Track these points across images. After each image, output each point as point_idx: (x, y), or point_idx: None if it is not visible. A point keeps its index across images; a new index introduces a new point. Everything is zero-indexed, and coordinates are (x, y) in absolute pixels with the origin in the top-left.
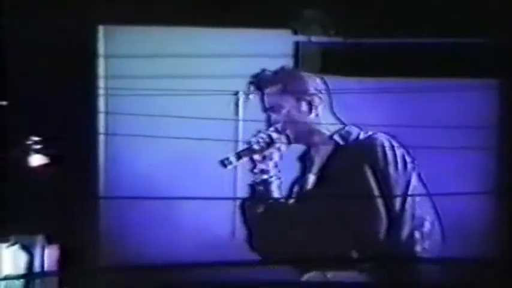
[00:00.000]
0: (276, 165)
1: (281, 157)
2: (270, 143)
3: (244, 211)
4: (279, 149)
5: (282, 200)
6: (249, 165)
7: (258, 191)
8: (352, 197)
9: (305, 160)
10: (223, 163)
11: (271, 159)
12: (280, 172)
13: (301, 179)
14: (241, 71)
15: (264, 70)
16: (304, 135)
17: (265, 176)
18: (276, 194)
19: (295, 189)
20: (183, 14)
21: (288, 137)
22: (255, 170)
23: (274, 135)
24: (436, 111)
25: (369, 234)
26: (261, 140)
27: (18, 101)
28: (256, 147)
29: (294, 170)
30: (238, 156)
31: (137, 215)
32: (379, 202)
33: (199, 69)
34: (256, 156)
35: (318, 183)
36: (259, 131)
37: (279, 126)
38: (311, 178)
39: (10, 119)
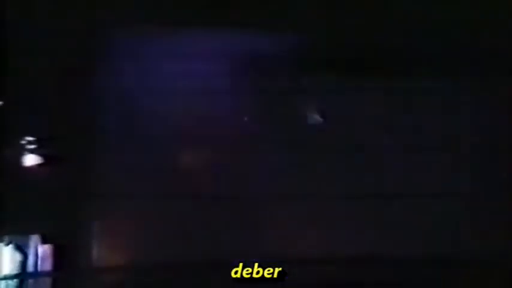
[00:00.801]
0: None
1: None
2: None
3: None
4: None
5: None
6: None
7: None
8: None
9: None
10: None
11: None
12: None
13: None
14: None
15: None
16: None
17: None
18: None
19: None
20: (180, 14)
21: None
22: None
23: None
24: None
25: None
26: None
27: (13, 100)
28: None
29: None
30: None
31: (133, 214)
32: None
33: (197, 69)
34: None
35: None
36: None
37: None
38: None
39: (4, 118)
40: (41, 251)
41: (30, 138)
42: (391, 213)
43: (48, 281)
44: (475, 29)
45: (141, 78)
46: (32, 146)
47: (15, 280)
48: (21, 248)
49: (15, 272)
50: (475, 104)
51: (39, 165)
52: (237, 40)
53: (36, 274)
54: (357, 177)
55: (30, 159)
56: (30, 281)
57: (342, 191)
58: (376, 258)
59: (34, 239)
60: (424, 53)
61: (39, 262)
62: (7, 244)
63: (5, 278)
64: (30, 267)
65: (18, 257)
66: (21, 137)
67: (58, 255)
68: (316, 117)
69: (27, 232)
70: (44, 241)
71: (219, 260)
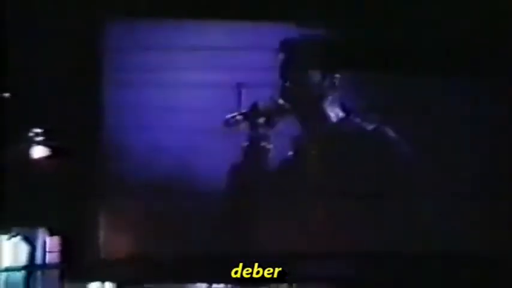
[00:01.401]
0: (276, 135)
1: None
2: (277, 109)
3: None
4: (283, 118)
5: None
6: (250, 127)
7: (252, 156)
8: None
9: (303, 140)
10: (228, 122)
11: (273, 126)
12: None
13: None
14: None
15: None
16: (311, 113)
17: (263, 143)
18: (268, 163)
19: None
20: (186, 7)
21: (295, 107)
22: (255, 135)
23: (281, 101)
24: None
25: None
26: (268, 104)
27: (21, 92)
28: (262, 109)
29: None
30: (245, 115)
31: (138, 206)
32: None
33: (202, 62)
34: (260, 120)
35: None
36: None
37: (288, 95)
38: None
39: (12, 110)
40: (49, 243)
41: (38, 130)
42: (391, 213)
43: (55, 272)
44: (474, 29)
45: (142, 74)
46: (39, 138)
47: (23, 272)
48: (29, 240)
49: (22, 263)
50: (475, 104)
51: (46, 157)
52: (238, 35)
53: (43, 266)
54: (356, 177)
55: (38, 152)
56: (38, 272)
57: (342, 190)
58: (376, 257)
59: (42, 231)
60: (424, 53)
61: (46, 254)
62: (14, 236)
63: (14, 269)
64: (37, 259)
65: (26, 248)
66: (29, 129)
67: (65, 247)
68: (340, 112)
69: (35, 224)
70: (51, 233)
71: (219, 260)
